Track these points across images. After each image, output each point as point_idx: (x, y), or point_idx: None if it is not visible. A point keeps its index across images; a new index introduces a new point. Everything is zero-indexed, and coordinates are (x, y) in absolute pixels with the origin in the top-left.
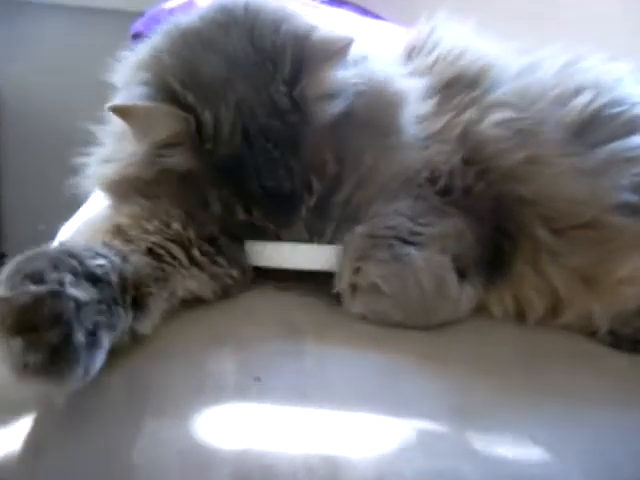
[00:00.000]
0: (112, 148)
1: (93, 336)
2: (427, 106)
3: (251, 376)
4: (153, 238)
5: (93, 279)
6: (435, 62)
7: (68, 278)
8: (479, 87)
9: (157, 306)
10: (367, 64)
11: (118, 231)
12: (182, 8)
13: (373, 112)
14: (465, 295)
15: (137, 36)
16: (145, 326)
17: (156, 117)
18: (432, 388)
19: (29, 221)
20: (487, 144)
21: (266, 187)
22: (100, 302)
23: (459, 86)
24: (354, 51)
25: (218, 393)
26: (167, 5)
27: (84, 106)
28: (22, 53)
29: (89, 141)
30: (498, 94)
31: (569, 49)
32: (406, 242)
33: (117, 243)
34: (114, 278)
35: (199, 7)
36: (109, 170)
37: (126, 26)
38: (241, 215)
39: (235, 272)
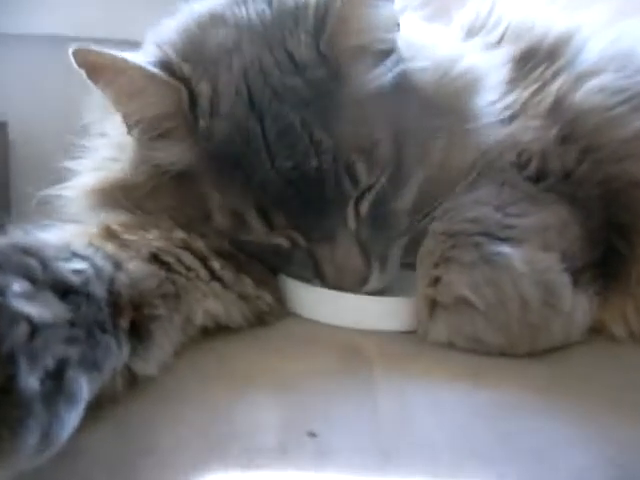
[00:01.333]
0: (102, 155)
1: (58, 380)
2: (504, 81)
3: (303, 431)
4: (157, 243)
5: (64, 290)
6: (502, 37)
7: (18, 285)
8: (562, 57)
9: (167, 335)
10: (425, 44)
11: (110, 234)
12: None
13: (442, 91)
14: (580, 308)
15: None
16: (149, 364)
17: (141, 82)
18: (573, 436)
19: None
20: (588, 115)
21: (283, 170)
22: (74, 325)
23: (537, 58)
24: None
25: (253, 459)
26: None
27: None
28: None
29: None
30: (591, 62)
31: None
32: (496, 238)
33: (110, 247)
34: (99, 291)
35: None
36: (93, 178)
37: None
38: (255, 224)
39: (269, 297)
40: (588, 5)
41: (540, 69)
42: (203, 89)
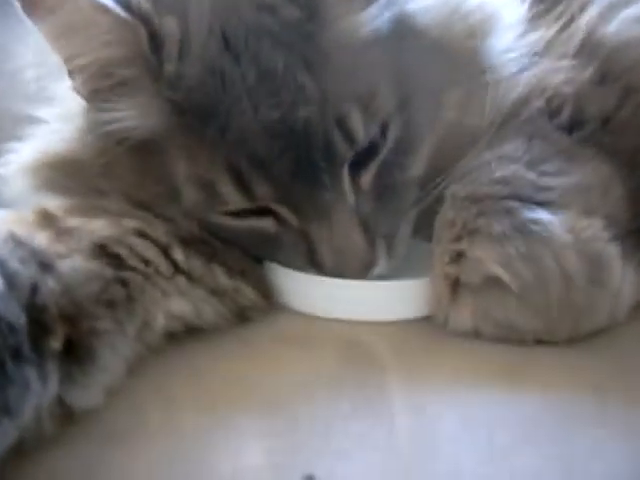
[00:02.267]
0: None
1: None
2: (523, 19)
3: (299, 474)
4: (105, 231)
5: None
6: None
7: None
8: None
9: (115, 351)
10: None
11: (46, 220)
12: None
13: (449, 34)
14: (627, 283)
15: None
16: (89, 392)
17: (90, 13)
18: None
19: None
20: (626, 49)
21: (267, 122)
22: None
23: None
24: None
25: None
26: None
27: None
28: None
29: None
30: None
31: None
32: (531, 202)
33: (40, 238)
34: (11, 308)
35: None
36: (32, 154)
37: None
38: (230, 195)
39: (249, 290)
40: None
41: (564, 1)
42: (169, 27)
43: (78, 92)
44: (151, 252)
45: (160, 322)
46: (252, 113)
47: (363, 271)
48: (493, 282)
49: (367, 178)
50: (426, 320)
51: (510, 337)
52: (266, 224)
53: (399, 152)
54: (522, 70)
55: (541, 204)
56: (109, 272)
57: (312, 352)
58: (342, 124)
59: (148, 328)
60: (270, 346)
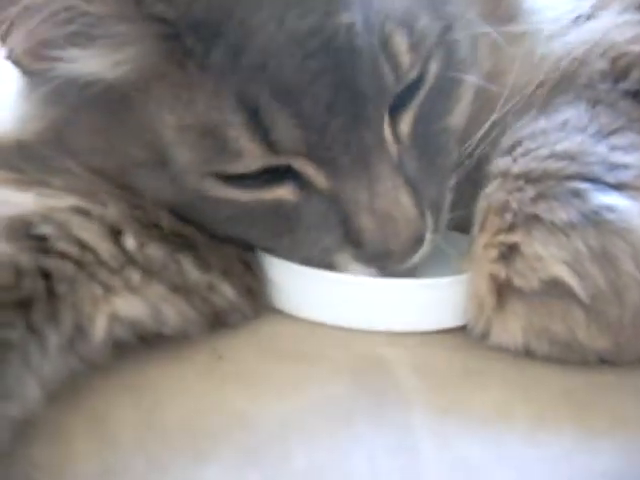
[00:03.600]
0: None
1: None
2: None
3: None
4: (31, 205)
5: None
6: None
7: None
8: None
9: (30, 370)
10: None
11: None
12: None
13: None
14: None
15: None
16: None
17: None
18: None
19: None
20: None
21: (295, 37)
22: None
23: None
24: None
25: None
26: None
27: None
28: None
29: None
30: None
31: None
32: (604, 184)
33: None
34: None
35: None
36: None
37: None
38: (245, 146)
39: (227, 287)
40: None
41: None
42: None
43: (11, 54)
44: (90, 234)
45: (101, 328)
46: (276, 24)
47: (414, 245)
48: (554, 287)
49: (406, 123)
50: (460, 331)
51: (568, 357)
52: (284, 192)
53: (440, 93)
54: (579, 24)
55: (616, 187)
56: (25, 259)
57: (311, 372)
58: (387, 46)
59: (83, 338)
60: (254, 362)
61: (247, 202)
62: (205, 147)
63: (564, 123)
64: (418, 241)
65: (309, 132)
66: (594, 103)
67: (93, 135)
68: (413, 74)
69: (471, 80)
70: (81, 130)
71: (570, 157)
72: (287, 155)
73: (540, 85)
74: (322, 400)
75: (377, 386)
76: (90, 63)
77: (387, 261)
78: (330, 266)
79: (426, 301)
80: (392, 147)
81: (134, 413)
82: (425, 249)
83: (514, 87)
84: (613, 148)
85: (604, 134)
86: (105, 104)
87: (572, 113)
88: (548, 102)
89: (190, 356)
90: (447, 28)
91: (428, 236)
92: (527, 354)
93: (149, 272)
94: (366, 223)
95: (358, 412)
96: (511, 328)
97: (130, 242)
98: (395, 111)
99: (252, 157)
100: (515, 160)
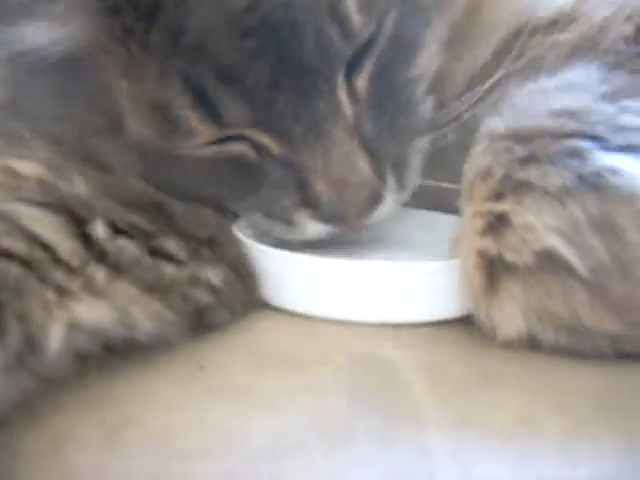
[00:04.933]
0: None
1: None
2: None
3: None
4: None
5: None
6: None
7: None
8: None
9: None
10: None
11: None
12: None
13: None
14: None
15: None
16: None
17: None
18: None
19: None
20: None
21: (232, 16)
22: None
23: None
24: None
25: None
26: None
27: None
28: None
29: None
30: None
31: None
32: (608, 144)
33: None
34: None
35: None
36: None
37: None
38: (194, 125)
39: (214, 276)
40: None
41: None
42: None
43: None
44: (44, 225)
45: (56, 339)
46: (212, 3)
47: (371, 205)
48: (550, 261)
49: (363, 81)
50: (473, 326)
51: (578, 346)
52: (243, 148)
53: (398, 44)
54: None
55: (622, 148)
56: None
57: (307, 380)
58: (335, 12)
59: (35, 350)
60: (241, 370)
61: (210, 159)
62: (157, 123)
63: (569, 83)
64: (375, 201)
65: (257, 110)
66: (613, 67)
67: (49, 103)
68: (365, 34)
69: (436, 25)
70: (38, 96)
71: (569, 113)
72: (238, 129)
73: (552, 47)
74: (319, 414)
75: (383, 396)
76: (38, 36)
77: (344, 220)
78: (291, 223)
79: (425, 287)
80: (348, 109)
81: (97, 431)
82: (388, 208)
83: (501, 29)
84: (625, 110)
85: (617, 96)
86: (60, 71)
87: (581, 72)
88: (559, 67)
89: (165, 365)
90: None
91: (390, 195)
92: (533, 345)
93: (117, 269)
94: (321, 188)
95: (361, 428)
96: (509, 311)
97: (100, 231)
98: (350, 71)
99: (204, 136)
100: (505, 119)
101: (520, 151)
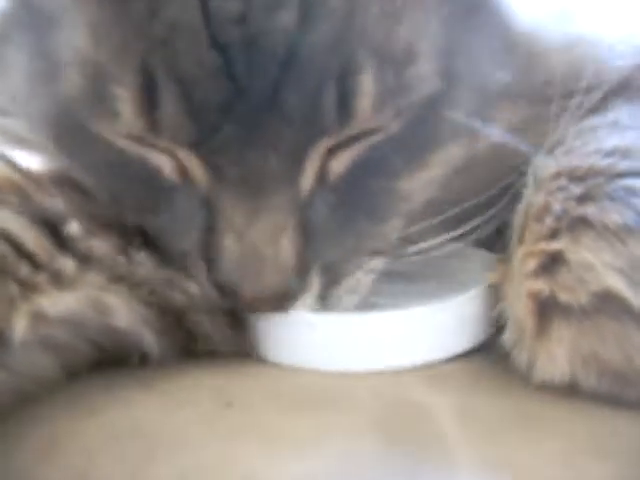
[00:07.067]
0: None
1: None
2: None
3: None
4: None
5: None
6: None
7: None
8: None
9: None
10: None
11: None
12: None
13: None
14: None
15: None
16: None
17: None
18: None
19: None
20: None
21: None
22: None
23: None
24: None
25: None
26: None
27: None
28: None
29: None
30: None
31: None
32: None
33: None
34: None
35: None
36: None
37: None
38: (126, 110)
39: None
40: None
41: None
42: None
43: None
44: (10, 217)
45: (20, 329)
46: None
47: (275, 299)
48: (608, 302)
49: (342, 163)
50: (505, 368)
51: (620, 392)
52: (163, 162)
53: (399, 149)
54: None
55: None
56: None
57: (335, 422)
58: (345, 78)
59: (2, 343)
60: (269, 411)
61: (123, 151)
62: (91, 87)
63: (614, 121)
64: (280, 296)
65: (198, 126)
66: None
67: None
68: (365, 126)
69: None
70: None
71: (621, 153)
72: (169, 141)
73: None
74: (347, 459)
75: (414, 440)
76: None
77: (234, 295)
78: (184, 271)
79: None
80: (307, 181)
81: (121, 468)
82: (304, 305)
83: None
84: None
85: None
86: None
87: (625, 111)
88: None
89: (192, 400)
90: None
91: (303, 300)
92: (571, 389)
93: (87, 262)
94: (228, 244)
95: (390, 475)
96: (555, 355)
97: (74, 229)
98: (336, 147)
99: (129, 125)
100: (556, 158)
101: (576, 189)
